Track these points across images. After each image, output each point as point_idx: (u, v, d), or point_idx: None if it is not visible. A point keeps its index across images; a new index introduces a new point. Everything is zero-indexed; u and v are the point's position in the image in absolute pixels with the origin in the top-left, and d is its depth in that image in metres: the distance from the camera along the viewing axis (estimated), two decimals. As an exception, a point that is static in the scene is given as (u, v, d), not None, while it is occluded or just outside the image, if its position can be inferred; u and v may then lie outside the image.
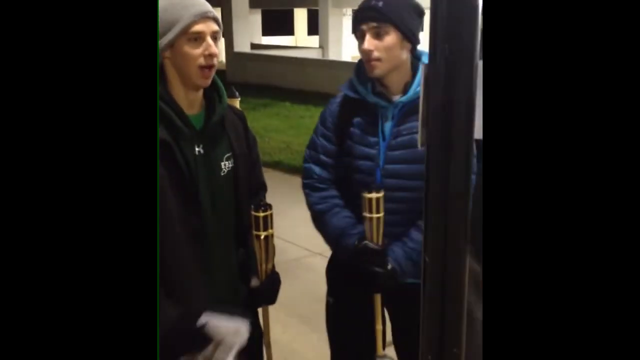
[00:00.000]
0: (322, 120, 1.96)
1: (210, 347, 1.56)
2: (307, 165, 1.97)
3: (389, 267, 1.77)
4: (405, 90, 1.83)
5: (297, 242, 4.45)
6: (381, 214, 1.72)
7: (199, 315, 1.52)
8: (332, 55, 17.26)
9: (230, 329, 1.55)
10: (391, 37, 1.75)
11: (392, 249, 1.81)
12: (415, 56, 1.86)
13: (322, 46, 18.06)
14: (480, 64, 0.73)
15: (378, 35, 1.75)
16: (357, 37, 1.81)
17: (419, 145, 0.78)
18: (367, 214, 1.72)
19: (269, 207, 1.63)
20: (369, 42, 1.75)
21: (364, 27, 1.76)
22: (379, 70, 1.78)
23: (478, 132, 0.75)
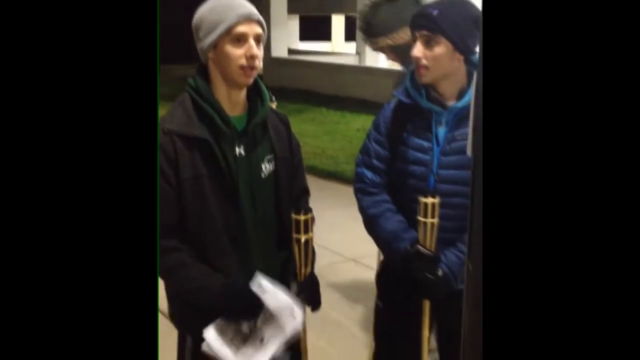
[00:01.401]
0: (376, 126, 1.97)
1: (259, 321, 1.56)
2: (359, 169, 1.99)
3: (440, 273, 1.77)
4: (460, 97, 1.83)
5: (331, 247, 4.44)
6: (436, 220, 1.71)
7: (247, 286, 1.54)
8: (368, 62, 17.20)
9: (286, 305, 1.55)
10: (441, 48, 1.75)
11: (445, 255, 1.81)
12: (472, 63, 1.84)
13: (359, 52, 18.02)
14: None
15: (428, 44, 1.76)
16: (412, 40, 1.84)
17: (468, 152, 0.78)
18: (421, 219, 1.72)
19: (310, 210, 1.63)
20: (418, 49, 1.77)
21: (417, 34, 1.78)
22: (426, 77, 1.79)
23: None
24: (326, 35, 28.42)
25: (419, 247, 1.75)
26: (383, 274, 2.14)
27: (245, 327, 1.58)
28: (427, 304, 1.85)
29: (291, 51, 17.89)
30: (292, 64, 15.50)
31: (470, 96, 1.62)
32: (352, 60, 17.10)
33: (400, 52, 2.72)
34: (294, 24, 22.05)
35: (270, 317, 1.59)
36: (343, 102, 11.53)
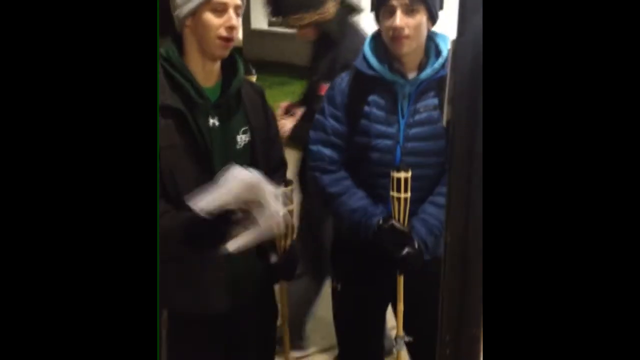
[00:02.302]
0: (330, 100, 1.90)
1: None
2: (314, 147, 1.91)
3: (415, 246, 1.77)
4: (420, 68, 1.82)
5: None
6: (408, 194, 1.70)
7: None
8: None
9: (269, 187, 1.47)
10: (420, 15, 1.73)
11: (415, 227, 1.80)
12: (429, 36, 1.83)
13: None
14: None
15: (409, 12, 1.72)
16: (381, 12, 1.78)
17: (443, 123, 0.78)
18: (394, 194, 1.71)
19: (289, 182, 1.62)
20: (401, 18, 1.71)
21: (395, 2, 1.72)
22: (406, 47, 1.76)
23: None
24: (307, 7, 28.09)
25: (394, 222, 1.74)
26: (339, 253, 2.10)
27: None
28: (401, 278, 1.85)
29: (271, 23, 17.69)
30: (273, 36, 15.32)
31: (437, 65, 1.61)
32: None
33: (326, 28, 2.42)
34: (275, -5, 21.72)
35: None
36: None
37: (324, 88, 2.20)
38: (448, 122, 0.77)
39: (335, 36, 2.40)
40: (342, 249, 2.08)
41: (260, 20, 15.98)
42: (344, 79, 1.90)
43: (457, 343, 0.89)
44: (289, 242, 1.69)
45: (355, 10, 2.51)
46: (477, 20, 0.71)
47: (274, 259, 1.68)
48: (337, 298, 2.10)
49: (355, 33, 2.46)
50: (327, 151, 1.89)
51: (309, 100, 2.53)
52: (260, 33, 15.59)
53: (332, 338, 2.25)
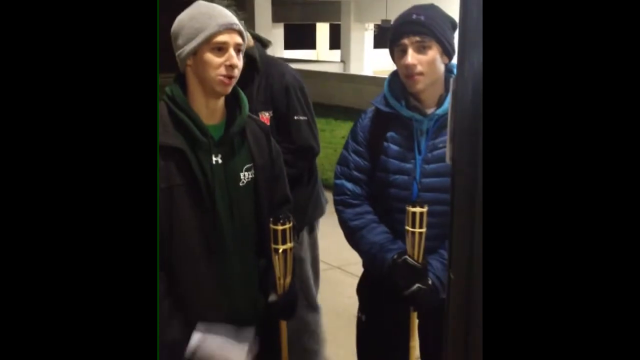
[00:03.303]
0: (354, 136, 1.94)
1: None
2: (338, 181, 1.94)
3: (430, 282, 1.74)
4: (439, 104, 1.82)
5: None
6: (424, 229, 1.68)
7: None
8: (353, 70, 17.29)
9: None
10: (433, 52, 1.74)
11: (431, 264, 1.78)
12: (448, 69, 1.85)
13: (344, 60, 18.10)
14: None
15: (421, 50, 1.74)
16: (395, 51, 1.80)
17: (447, 160, 0.77)
18: (409, 228, 1.69)
19: (288, 219, 1.61)
20: (413, 56, 1.73)
21: (406, 41, 1.74)
22: (421, 84, 1.77)
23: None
24: (311, 44, 28.53)
25: (407, 257, 1.73)
26: (364, 286, 2.11)
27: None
28: (414, 315, 1.83)
29: (276, 59, 17.97)
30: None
31: (448, 103, 1.61)
32: (336, 68, 17.18)
33: (251, 53, 2.40)
34: (279, 32, 22.12)
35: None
36: (328, 109, 11.58)
37: (265, 118, 2.34)
38: (450, 160, 0.77)
39: (259, 61, 2.45)
40: (368, 281, 2.07)
41: (264, 56, 16.24)
42: (366, 116, 1.94)
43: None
44: (288, 280, 1.67)
45: (266, 44, 2.58)
46: (477, 56, 0.71)
47: (272, 298, 1.66)
48: (361, 328, 2.11)
49: (275, 61, 2.55)
50: (349, 185, 1.91)
51: None
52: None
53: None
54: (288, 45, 23.67)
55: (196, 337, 1.55)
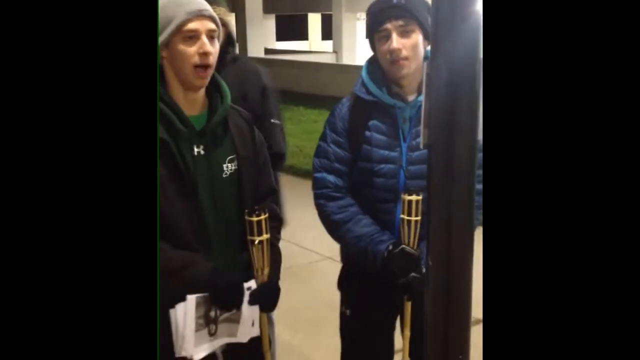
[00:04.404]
0: (332, 126, 1.88)
1: (222, 315, 1.59)
2: (318, 175, 1.89)
3: (423, 270, 1.72)
4: (420, 90, 1.79)
5: (308, 246, 4.43)
6: (419, 217, 1.67)
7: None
8: (346, 60, 17.23)
9: (252, 315, 1.61)
10: (416, 35, 1.72)
11: (423, 251, 1.76)
12: (425, 55, 1.83)
13: (336, 51, 18.04)
14: (481, 61, 0.71)
15: (404, 34, 1.71)
16: (376, 38, 1.76)
17: (421, 146, 0.76)
18: (405, 217, 1.68)
19: (263, 211, 1.59)
20: (398, 41, 1.70)
21: (389, 25, 1.71)
22: (406, 69, 1.74)
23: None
24: (303, 34, 28.42)
25: (404, 247, 1.72)
26: (346, 280, 2.07)
27: (212, 313, 1.56)
28: (408, 304, 1.82)
29: (268, 50, 17.86)
30: (269, 63, 15.49)
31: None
32: (329, 59, 17.12)
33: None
34: (271, 23, 21.99)
35: (233, 317, 1.58)
36: (321, 100, 11.54)
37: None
38: (425, 145, 0.76)
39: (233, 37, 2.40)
40: (350, 275, 2.05)
41: (257, 48, 16.16)
42: (344, 105, 1.89)
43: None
44: (266, 271, 1.66)
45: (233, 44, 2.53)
46: (450, 40, 0.70)
47: (252, 284, 1.64)
48: (345, 322, 2.09)
49: (247, 59, 2.54)
50: (331, 178, 1.87)
51: None
52: (257, 61, 15.75)
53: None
54: (280, 37, 23.55)
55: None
